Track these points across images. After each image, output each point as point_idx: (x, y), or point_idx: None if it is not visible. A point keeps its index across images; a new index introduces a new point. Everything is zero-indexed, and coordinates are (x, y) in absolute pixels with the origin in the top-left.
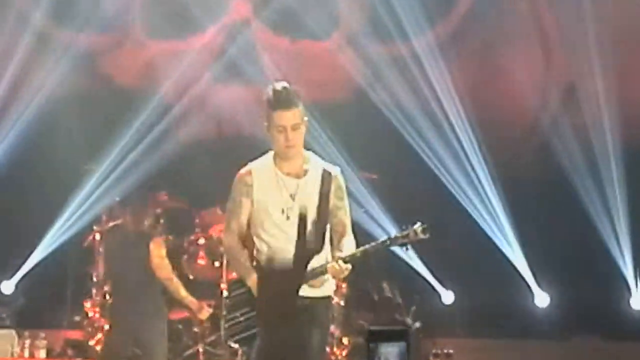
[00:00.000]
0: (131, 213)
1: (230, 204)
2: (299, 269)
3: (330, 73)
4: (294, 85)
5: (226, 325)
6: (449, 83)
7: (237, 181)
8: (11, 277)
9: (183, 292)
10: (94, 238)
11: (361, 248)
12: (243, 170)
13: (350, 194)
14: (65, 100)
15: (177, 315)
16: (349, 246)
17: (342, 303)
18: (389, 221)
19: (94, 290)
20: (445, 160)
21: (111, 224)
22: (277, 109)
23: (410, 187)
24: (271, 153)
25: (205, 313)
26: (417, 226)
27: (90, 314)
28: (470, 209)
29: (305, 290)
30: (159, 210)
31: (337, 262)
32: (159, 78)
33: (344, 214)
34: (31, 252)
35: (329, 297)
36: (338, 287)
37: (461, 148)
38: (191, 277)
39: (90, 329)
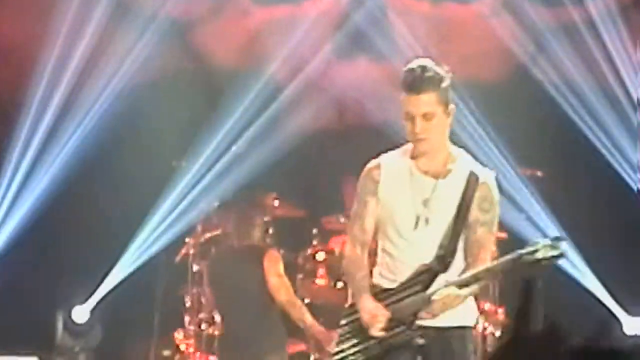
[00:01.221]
0: (235, 222)
1: (354, 206)
2: (415, 293)
3: (482, 45)
4: (439, 62)
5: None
6: (632, 56)
7: (363, 176)
8: (85, 301)
9: (309, 319)
10: (187, 253)
11: (473, 271)
12: (371, 163)
13: (508, 196)
14: (150, 83)
15: (292, 348)
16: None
17: (497, 334)
18: (556, 229)
19: (187, 318)
20: (627, 152)
21: (208, 235)
22: (406, 92)
23: (583, 186)
24: (405, 147)
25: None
26: (547, 241)
27: (183, 347)
28: None
29: (433, 320)
30: (267, 219)
31: (447, 287)
32: (267, 54)
33: (486, 231)
34: (110, 271)
35: (466, 328)
36: (491, 313)
37: None
38: (307, 300)
39: None
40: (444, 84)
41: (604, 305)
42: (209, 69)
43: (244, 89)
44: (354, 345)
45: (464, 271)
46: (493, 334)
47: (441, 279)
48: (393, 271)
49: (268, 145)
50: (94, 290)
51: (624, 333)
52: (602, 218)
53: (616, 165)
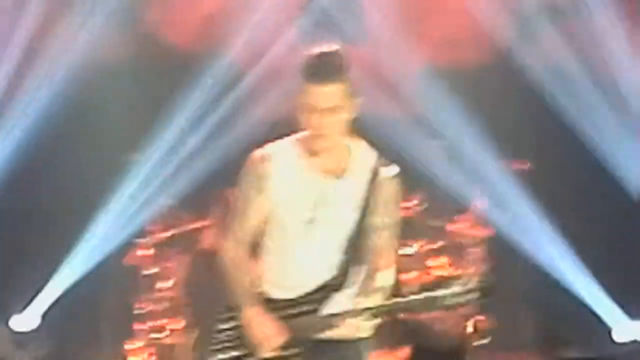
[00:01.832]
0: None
1: (235, 199)
2: (312, 310)
3: (463, 27)
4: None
5: None
6: (622, 39)
7: (249, 167)
8: (24, 309)
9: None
10: (138, 256)
11: (394, 300)
12: (258, 154)
13: (493, 190)
14: (99, 70)
15: None
16: (383, 284)
17: (483, 341)
18: (545, 226)
19: (142, 326)
20: (620, 142)
21: (162, 236)
22: (309, 81)
23: (573, 179)
24: (297, 137)
25: None
26: (468, 286)
27: (135, 359)
28: None
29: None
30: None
31: (357, 314)
32: (226, 36)
33: (390, 236)
34: (54, 276)
35: (363, 340)
36: (473, 318)
37: None
38: None
39: None
40: (348, 74)
41: (592, 311)
42: (163, 52)
43: (201, 75)
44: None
45: (365, 282)
46: (475, 344)
47: (342, 294)
48: (282, 278)
49: (228, 136)
50: (33, 298)
51: (612, 340)
52: (593, 212)
53: (607, 156)
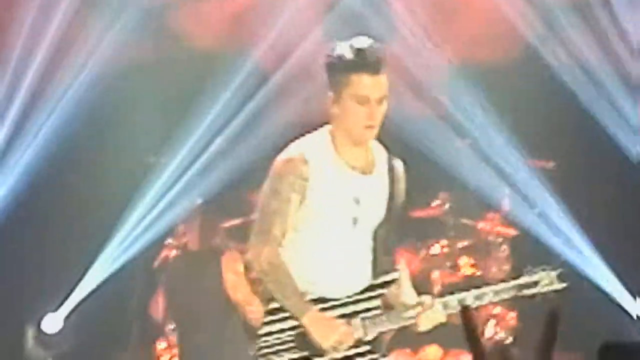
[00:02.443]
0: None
1: (271, 201)
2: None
3: (488, 24)
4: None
5: None
6: None
7: (285, 169)
8: (56, 309)
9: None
10: (167, 257)
11: (482, 290)
12: (293, 155)
13: (516, 189)
14: (124, 71)
15: None
16: (399, 275)
17: (509, 340)
18: (570, 225)
19: (169, 327)
20: None
21: (190, 235)
22: (361, 71)
23: (599, 178)
24: (327, 133)
25: None
26: (551, 273)
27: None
28: None
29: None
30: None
31: (433, 306)
32: (252, 36)
33: (392, 227)
34: (83, 277)
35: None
36: (501, 318)
37: None
38: None
39: None
40: None
41: (619, 304)
42: (189, 53)
43: (227, 76)
44: None
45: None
46: (503, 341)
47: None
48: (324, 277)
49: (254, 137)
50: (66, 298)
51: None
52: (619, 212)
53: (635, 155)
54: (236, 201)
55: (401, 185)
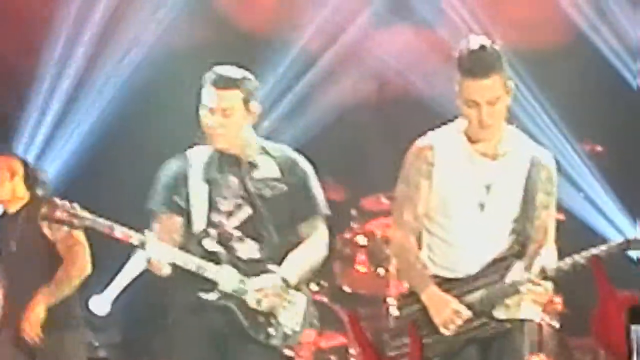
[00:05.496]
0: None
1: (402, 187)
2: (491, 282)
3: (539, 9)
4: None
5: (391, 354)
6: None
7: (414, 156)
8: (102, 290)
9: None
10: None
11: (570, 259)
12: (422, 142)
13: (566, 174)
14: (170, 56)
15: (329, 341)
16: (548, 260)
17: (555, 325)
18: (617, 210)
19: None
20: None
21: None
22: (468, 77)
23: None
24: (461, 122)
25: None
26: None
27: None
28: None
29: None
30: None
31: (535, 280)
32: (299, 19)
33: (549, 215)
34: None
35: (526, 321)
36: (548, 302)
37: None
38: (347, 289)
39: None
40: (504, 63)
41: None
42: (237, 37)
43: (274, 60)
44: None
45: (529, 261)
46: (550, 325)
47: (517, 267)
48: (451, 260)
49: (301, 121)
50: (111, 280)
51: None
52: None
53: None
54: None
55: (543, 173)
